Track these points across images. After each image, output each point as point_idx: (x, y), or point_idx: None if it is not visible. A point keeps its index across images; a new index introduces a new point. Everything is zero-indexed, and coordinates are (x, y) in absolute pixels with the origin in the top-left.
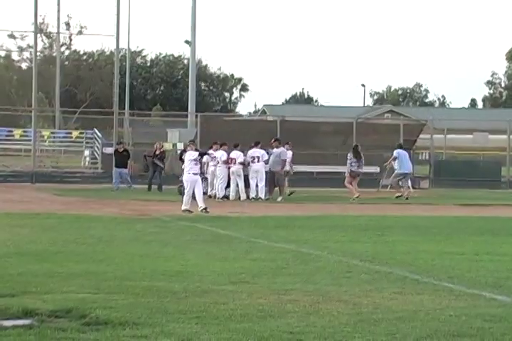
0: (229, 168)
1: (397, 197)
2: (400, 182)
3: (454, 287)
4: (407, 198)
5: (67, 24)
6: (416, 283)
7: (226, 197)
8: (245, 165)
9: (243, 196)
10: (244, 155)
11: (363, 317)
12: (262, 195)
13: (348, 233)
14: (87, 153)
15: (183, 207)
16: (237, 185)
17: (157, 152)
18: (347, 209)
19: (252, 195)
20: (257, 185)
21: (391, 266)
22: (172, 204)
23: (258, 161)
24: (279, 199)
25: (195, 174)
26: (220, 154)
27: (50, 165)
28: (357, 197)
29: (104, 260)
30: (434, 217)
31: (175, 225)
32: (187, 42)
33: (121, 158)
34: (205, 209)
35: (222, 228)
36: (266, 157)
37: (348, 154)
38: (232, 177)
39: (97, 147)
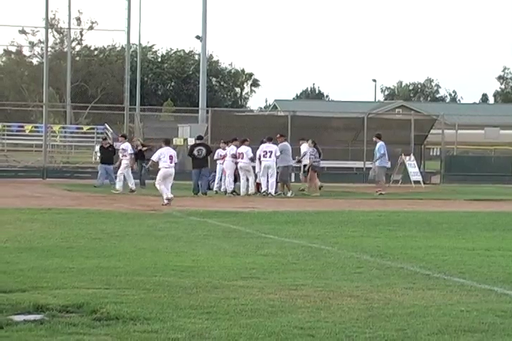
0: (236, 163)
1: (380, 194)
2: (378, 177)
3: (465, 282)
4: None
5: (78, 19)
6: (427, 279)
7: (235, 191)
8: (253, 160)
9: (252, 190)
10: (255, 149)
11: (374, 312)
12: (272, 190)
13: (358, 228)
14: (97, 148)
15: (168, 196)
16: (247, 180)
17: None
18: (358, 204)
19: (263, 189)
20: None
21: (402, 262)
22: (183, 199)
23: (270, 156)
24: (289, 194)
25: (169, 167)
26: (230, 149)
27: (61, 160)
28: (303, 190)
29: (115, 255)
30: (445, 212)
31: (186, 220)
32: (198, 37)
33: (107, 154)
34: (169, 200)
35: (233, 223)
36: (278, 153)
37: (310, 149)
38: (240, 172)
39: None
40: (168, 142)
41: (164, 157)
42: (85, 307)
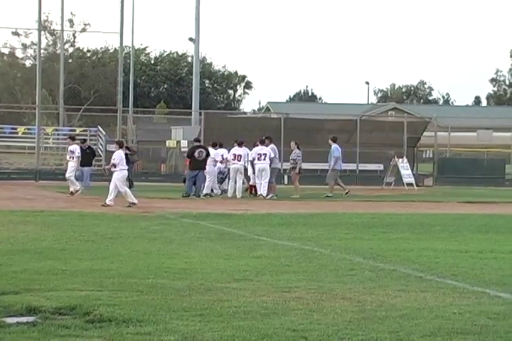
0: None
1: (327, 196)
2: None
3: (458, 284)
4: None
5: (71, 21)
6: (420, 281)
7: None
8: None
9: (239, 194)
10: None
11: (367, 314)
12: (264, 192)
13: (351, 230)
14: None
15: (131, 200)
16: (236, 182)
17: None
18: (351, 206)
19: (259, 192)
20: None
21: (395, 264)
22: (176, 202)
23: (264, 159)
24: (269, 196)
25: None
26: (222, 152)
27: (54, 162)
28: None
29: (108, 257)
30: (438, 214)
31: (179, 223)
32: (191, 39)
33: (86, 156)
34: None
35: (226, 225)
36: (272, 155)
37: (296, 150)
38: (232, 174)
39: (101, 144)
40: (122, 144)
41: (121, 159)
42: (78, 310)
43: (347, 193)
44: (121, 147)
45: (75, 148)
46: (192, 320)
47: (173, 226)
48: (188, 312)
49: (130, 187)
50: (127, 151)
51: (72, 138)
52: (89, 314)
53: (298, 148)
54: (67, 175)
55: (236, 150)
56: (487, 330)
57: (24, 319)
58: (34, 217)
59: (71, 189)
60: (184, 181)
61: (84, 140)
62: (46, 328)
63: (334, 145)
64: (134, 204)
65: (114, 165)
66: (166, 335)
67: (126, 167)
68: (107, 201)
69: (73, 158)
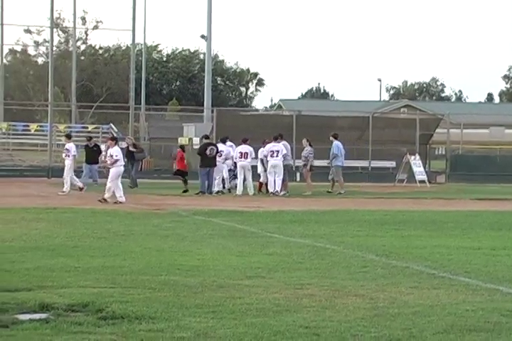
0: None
1: (339, 193)
2: (336, 176)
3: (471, 281)
4: (330, 191)
5: (83, 19)
6: (432, 278)
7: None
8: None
9: (251, 191)
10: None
11: (379, 311)
12: (278, 188)
13: (364, 228)
14: (103, 147)
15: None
16: (245, 180)
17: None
18: (363, 203)
19: (271, 189)
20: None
21: (407, 261)
22: (188, 199)
23: (277, 156)
24: (282, 193)
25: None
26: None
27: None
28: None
29: (120, 254)
30: (451, 211)
31: (191, 220)
32: (203, 36)
33: (92, 154)
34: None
35: (238, 222)
36: (285, 152)
37: (308, 148)
38: (240, 171)
39: None
40: (117, 141)
41: (119, 155)
42: (91, 307)
43: (331, 191)
44: (116, 143)
45: (71, 146)
46: (204, 317)
47: (186, 223)
48: (200, 309)
49: (133, 187)
50: (133, 149)
51: (68, 137)
52: (102, 311)
53: (310, 145)
54: (65, 175)
55: (242, 147)
56: (500, 327)
57: (37, 316)
58: (47, 214)
59: (64, 189)
60: (182, 176)
61: (91, 137)
62: (59, 325)
63: (335, 142)
64: (105, 200)
65: (116, 161)
66: (179, 332)
67: (123, 163)
68: (118, 198)
69: (69, 156)
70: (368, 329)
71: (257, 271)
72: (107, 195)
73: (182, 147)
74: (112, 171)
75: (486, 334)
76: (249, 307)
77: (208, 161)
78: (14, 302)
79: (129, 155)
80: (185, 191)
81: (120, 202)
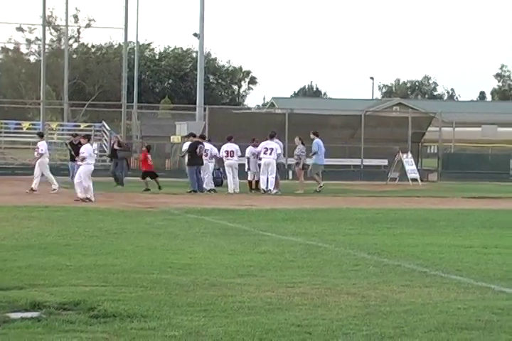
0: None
1: (318, 190)
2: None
3: (462, 280)
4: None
5: (76, 17)
6: (424, 276)
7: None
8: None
9: (237, 189)
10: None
11: (371, 309)
12: (271, 186)
13: (356, 226)
14: (95, 146)
15: (81, 196)
16: (234, 177)
17: (115, 146)
18: (355, 202)
19: (263, 187)
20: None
21: (399, 259)
22: (180, 197)
23: (270, 154)
24: (274, 192)
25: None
26: (185, 146)
27: (59, 158)
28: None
29: (112, 253)
30: (443, 209)
31: (183, 218)
32: (195, 35)
33: (77, 151)
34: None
35: (231, 221)
36: (279, 150)
37: (300, 146)
38: (227, 169)
39: (106, 140)
40: (90, 138)
41: (85, 152)
42: (82, 305)
43: (320, 188)
44: (89, 141)
45: (41, 144)
46: (196, 316)
47: (178, 221)
48: (192, 308)
49: (118, 185)
50: (117, 147)
51: (40, 135)
52: (94, 309)
53: (302, 143)
54: (46, 174)
55: (227, 146)
56: (491, 325)
57: (28, 314)
58: (38, 213)
59: (54, 186)
60: (143, 177)
61: (76, 134)
62: (50, 323)
63: (316, 140)
64: (89, 200)
65: (83, 159)
66: (171, 330)
67: (93, 162)
68: (78, 193)
69: (40, 154)
70: (359, 327)
71: (249, 270)
72: (87, 195)
73: (148, 147)
74: (81, 168)
75: (477, 332)
76: (241, 305)
77: (197, 160)
78: (6, 300)
79: (113, 153)
80: (146, 189)
81: (79, 199)
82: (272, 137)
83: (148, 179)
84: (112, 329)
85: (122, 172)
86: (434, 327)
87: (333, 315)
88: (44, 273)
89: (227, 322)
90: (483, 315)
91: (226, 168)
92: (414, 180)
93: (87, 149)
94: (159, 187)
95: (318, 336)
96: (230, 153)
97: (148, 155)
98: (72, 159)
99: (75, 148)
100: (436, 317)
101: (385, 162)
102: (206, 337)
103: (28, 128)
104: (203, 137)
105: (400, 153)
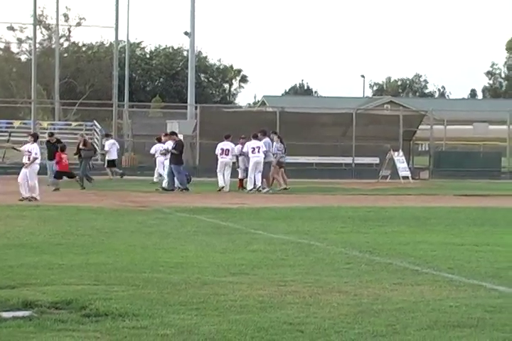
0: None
1: (285, 188)
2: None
3: (454, 277)
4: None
5: (66, 16)
6: (416, 274)
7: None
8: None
9: (227, 189)
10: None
11: (363, 308)
12: (258, 182)
13: (347, 224)
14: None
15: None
16: (224, 176)
17: (81, 146)
18: (347, 200)
19: (250, 186)
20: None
21: (391, 257)
22: (172, 196)
23: (258, 152)
24: (264, 190)
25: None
26: (168, 145)
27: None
28: (284, 188)
29: (104, 251)
30: (434, 207)
31: (175, 217)
32: (186, 33)
33: (54, 150)
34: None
35: (222, 219)
36: (264, 148)
37: (276, 144)
38: (219, 167)
39: (97, 139)
40: (37, 137)
41: (38, 153)
42: (74, 304)
43: (287, 187)
44: (35, 140)
45: (34, 148)
46: (188, 314)
47: (170, 220)
48: (184, 306)
49: (85, 181)
50: (82, 146)
51: (35, 137)
52: (86, 308)
53: (281, 142)
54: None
55: (223, 144)
56: (484, 323)
57: (20, 313)
58: (30, 212)
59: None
60: (59, 178)
61: (52, 133)
62: (42, 322)
63: (265, 139)
64: (34, 199)
65: (35, 159)
66: (162, 329)
67: (39, 161)
68: (21, 191)
69: (34, 158)
70: (351, 325)
71: (241, 268)
72: (33, 195)
73: (62, 148)
74: (30, 170)
75: (469, 330)
76: (233, 303)
77: (181, 158)
78: None
79: (78, 152)
80: (82, 187)
81: (25, 198)
82: (255, 137)
83: (75, 178)
84: (103, 328)
85: (83, 172)
86: (426, 325)
87: (325, 313)
88: (36, 272)
89: (219, 321)
90: (475, 313)
91: (219, 165)
92: (406, 178)
93: (36, 149)
94: (82, 187)
95: (310, 334)
96: (225, 152)
97: (63, 156)
98: (50, 158)
99: (52, 147)
100: (429, 315)
101: (376, 160)
102: (198, 335)
103: (18, 127)
104: (176, 134)
105: (392, 151)
